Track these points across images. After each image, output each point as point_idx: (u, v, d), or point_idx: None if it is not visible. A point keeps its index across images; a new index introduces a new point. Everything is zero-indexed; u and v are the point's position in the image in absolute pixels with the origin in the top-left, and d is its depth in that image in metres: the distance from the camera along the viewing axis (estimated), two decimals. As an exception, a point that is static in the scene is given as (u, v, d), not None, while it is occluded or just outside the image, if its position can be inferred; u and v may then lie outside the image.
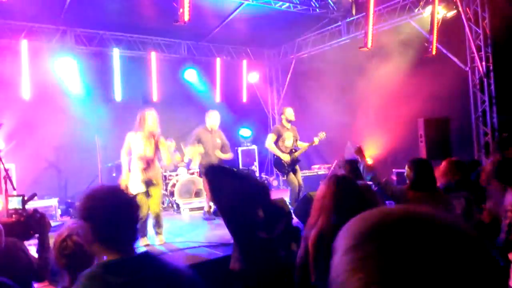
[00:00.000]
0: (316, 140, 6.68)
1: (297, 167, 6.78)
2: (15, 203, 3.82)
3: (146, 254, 1.47)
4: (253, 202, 2.39)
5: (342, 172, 4.28)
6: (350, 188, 2.25)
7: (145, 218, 4.83)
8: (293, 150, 6.68)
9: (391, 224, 0.56)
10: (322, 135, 6.72)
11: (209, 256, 4.39)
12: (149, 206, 4.89)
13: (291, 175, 6.60)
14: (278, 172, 6.84)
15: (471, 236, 0.55)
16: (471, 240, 0.54)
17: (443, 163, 3.95)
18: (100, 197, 1.49)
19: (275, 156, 6.67)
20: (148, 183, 4.88)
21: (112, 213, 1.43)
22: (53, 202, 6.84)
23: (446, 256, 0.51)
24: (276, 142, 6.60)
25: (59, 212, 6.94)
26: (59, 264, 1.90)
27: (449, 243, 0.53)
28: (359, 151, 4.12)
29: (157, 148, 4.94)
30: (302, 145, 6.77)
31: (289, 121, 6.69)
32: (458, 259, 0.51)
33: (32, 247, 2.65)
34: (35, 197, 3.48)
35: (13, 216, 2.57)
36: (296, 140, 6.79)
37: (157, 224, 5.04)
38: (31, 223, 2.41)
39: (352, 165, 4.18)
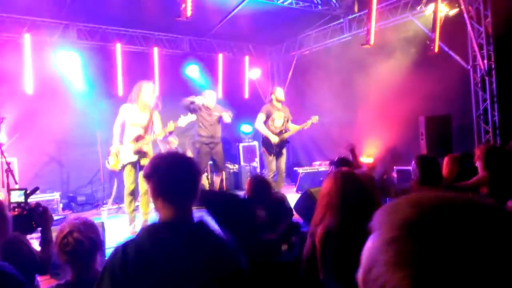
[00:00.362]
0: (308, 123, 6.64)
1: (284, 151, 6.70)
2: (17, 196, 3.83)
3: (200, 221, 1.58)
4: (249, 207, 2.40)
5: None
6: (356, 183, 2.25)
7: (131, 192, 4.94)
8: (283, 131, 6.61)
9: (446, 212, 0.48)
10: (315, 119, 6.68)
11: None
12: (139, 181, 4.93)
13: (273, 157, 6.53)
14: (265, 151, 6.67)
15: None
16: None
17: (445, 159, 4.06)
18: (164, 157, 1.69)
19: (263, 136, 6.59)
20: (140, 154, 4.93)
21: (173, 170, 1.57)
22: (55, 196, 6.88)
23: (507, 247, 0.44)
24: (266, 122, 6.52)
25: (61, 206, 6.99)
26: (61, 260, 1.94)
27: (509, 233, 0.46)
28: (352, 151, 4.24)
29: (150, 120, 5.03)
30: (293, 127, 6.72)
31: (279, 101, 6.59)
32: None
33: (34, 241, 2.69)
34: (37, 191, 3.52)
35: (16, 209, 2.59)
36: (288, 121, 6.69)
37: (146, 203, 4.90)
38: (34, 216, 2.43)
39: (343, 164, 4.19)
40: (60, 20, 7.57)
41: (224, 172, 7.23)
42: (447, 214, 0.48)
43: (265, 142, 6.60)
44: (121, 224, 5.80)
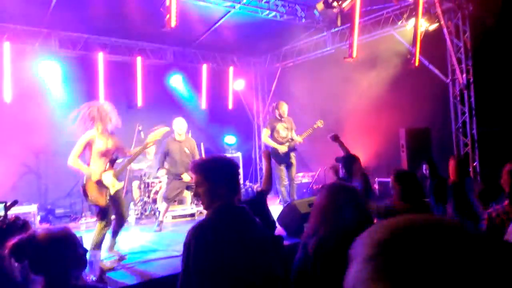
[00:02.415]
0: (315, 127, 6.99)
1: (294, 161, 7.00)
2: None
3: (243, 206, 2.13)
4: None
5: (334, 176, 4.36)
6: (349, 195, 2.26)
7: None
8: (289, 141, 6.95)
9: (417, 232, 0.54)
10: (320, 122, 7.00)
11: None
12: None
13: (283, 167, 6.87)
14: (275, 163, 6.90)
15: (498, 244, 0.54)
16: (497, 247, 0.53)
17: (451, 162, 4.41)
18: (216, 160, 2.18)
19: (272, 149, 6.90)
20: (119, 180, 4.64)
21: (227, 169, 2.11)
22: (32, 208, 6.69)
23: (477, 266, 0.50)
24: (271, 135, 6.90)
25: (38, 218, 6.79)
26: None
27: (478, 253, 0.51)
28: (336, 138, 4.36)
29: (116, 141, 4.61)
30: (296, 138, 6.99)
31: (282, 116, 6.99)
32: (489, 267, 0.50)
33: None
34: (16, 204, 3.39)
35: None
36: (293, 131, 7.06)
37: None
38: (14, 230, 2.32)
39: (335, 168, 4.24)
40: (41, 28, 7.45)
41: None
42: (416, 233, 0.54)
43: (274, 154, 6.83)
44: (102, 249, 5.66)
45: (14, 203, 3.15)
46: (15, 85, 7.10)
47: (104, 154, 4.46)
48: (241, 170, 9.76)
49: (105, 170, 4.47)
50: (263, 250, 2.07)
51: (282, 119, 6.97)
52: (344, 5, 5.59)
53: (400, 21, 7.24)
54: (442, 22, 6.59)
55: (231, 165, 2.15)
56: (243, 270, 1.96)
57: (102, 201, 4.40)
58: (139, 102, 8.58)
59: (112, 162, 4.56)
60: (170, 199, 6.37)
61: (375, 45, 7.55)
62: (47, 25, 7.35)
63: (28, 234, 1.82)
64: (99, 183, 4.40)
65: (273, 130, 6.92)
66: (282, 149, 6.80)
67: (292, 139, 6.96)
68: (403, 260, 0.51)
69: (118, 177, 4.62)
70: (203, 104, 9.58)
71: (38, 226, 6.59)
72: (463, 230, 0.55)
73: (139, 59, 8.57)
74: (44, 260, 1.78)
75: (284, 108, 7.00)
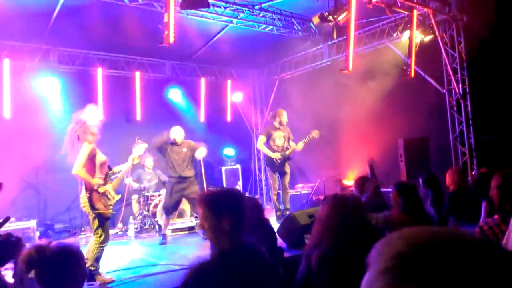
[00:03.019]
0: (309, 137, 6.95)
1: (288, 170, 6.99)
2: None
3: (252, 247, 1.95)
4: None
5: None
6: (354, 208, 2.27)
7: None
8: (285, 149, 6.95)
9: (433, 247, 0.53)
10: (315, 133, 6.98)
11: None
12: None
13: (277, 176, 6.90)
14: (269, 170, 7.10)
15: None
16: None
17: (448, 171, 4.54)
18: (224, 192, 2.07)
19: (266, 156, 6.97)
20: (117, 192, 4.66)
21: (231, 205, 1.94)
22: (32, 223, 6.67)
23: (495, 282, 0.49)
24: (267, 143, 6.91)
25: (37, 234, 6.77)
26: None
27: (498, 269, 0.50)
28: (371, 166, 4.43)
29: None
30: (293, 145, 7.00)
31: (282, 124, 7.02)
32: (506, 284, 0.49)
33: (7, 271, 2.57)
34: (10, 220, 3.35)
35: None
36: (289, 140, 7.06)
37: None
38: (6, 247, 2.30)
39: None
40: (40, 44, 7.53)
41: None
42: (434, 248, 0.53)
43: (268, 161, 6.95)
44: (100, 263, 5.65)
45: (6, 220, 3.12)
46: (15, 101, 7.15)
47: (103, 165, 4.50)
48: (240, 182, 9.86)
49: (105, 184, 4.49)
50: None
51: (280, 127, 6.99)
52: (339, 18, 5.67)
53: (395, 33, 7.33)
54: (437, 33, 6.68)
55: (239, 199, 2.01)
56: None
57: (108, 212, 4.41)
58: (138, 116, 8.63)
59: (108, 175, 4.59)
60: (170, 209, 6.33)
61: (371, 57, 7.64)
62: (46, 41, 7.43)
63: (41, 244, 1.82)
64: (103, 194, 4.39)
65: (269, 137, 6.95)
66: (276, 156, 6.81)
67: (287, 148, 6.96)
68: (420, 275, 0.51)
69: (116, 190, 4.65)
70: (202, 117, 9.63)
71: (38, 242, 6.57)
72: (485, 245, 0.54)
73: (138, 74, 8.64)
74: (53, 272, 1.80)
75: (284, 115, 7.05)
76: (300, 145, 7.01)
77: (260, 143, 7.03)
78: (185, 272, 1.80)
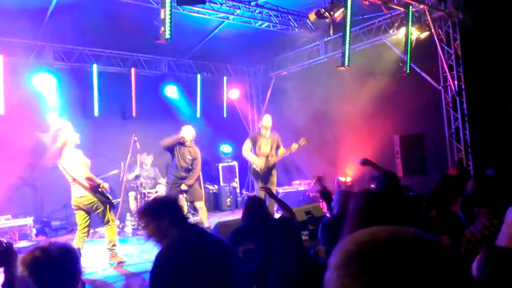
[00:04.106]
0: (294, 146, 6.54)
1: (273, 180, 6.69)
2: None
3: (201, 229, 2.40)
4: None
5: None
6: (386, 201, 2.29)
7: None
8: (270, 156, 6.64)
9: (374, 244, 0.60)
10: (303, 141, 6.62)
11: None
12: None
13: (262, 184, 6.54)
14: (253, 178, 6.84)
15: (453, 256, 0.59)
16: (453, 259, 0.59)
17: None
18: (157, 200, 2.54)
19: (250, 164, 6.72)
20: None
21: (166, 210, 2.33)
22: (28, 221, 6.67)
23: (426, 278, 0.55)
24: (253, 149, 6.65)
25: (34, 231, 6.76)
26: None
27: (431, 267, 0.56)
28: (366, 162, 4.35)
29: None
30: (280, 152, 6.71)
31: (266, 128, 6.69)
32: (439, 281, 0.55)
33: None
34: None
35: None
36: (278, 148, 6.73)
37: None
38: None
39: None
40: (36, 41, 7.49)
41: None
42: (375, 245, 0.60)
43: (252, 169, 6.70)
44: (97, 249, 5.66)
45: None
46: (10, 98, 7.11)
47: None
48: (237, 179, 9.87)
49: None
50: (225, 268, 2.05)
51: (266, 135, 6.67)
52: (336, 15, 5.67)
53: (392, 30, 7.34)
54: (433, 30, 6.70)
55: (172, 202, 2.42)
56: None
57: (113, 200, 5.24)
58: (134, 112, 8.61)
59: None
60: None
61: (367, 54, 7.65)
62: (41, 38, 7.39)
63: (41, 248, 1.84)
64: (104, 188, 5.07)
65: (254, 143, 6.65)
66: (259, 163, 6.50)
67: (272, 156, 6.63)
68: (367, 268, 0.57)
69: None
70: (198, 114, 9.62)
71: (35, 239, 6.56)
72: (421, 240, 0.60)
73: (133, 70, 8.61)
74: (57, 274, 1.82)
75: (265, 119, 6.70)
76: (282, 153, 6.68)
77: (246, 149, 6.68)
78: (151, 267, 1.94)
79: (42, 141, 5.06)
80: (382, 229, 0.64)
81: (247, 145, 6.68)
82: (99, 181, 4.98)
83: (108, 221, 4.99)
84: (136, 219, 7.37)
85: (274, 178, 6.73)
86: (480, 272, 1.40)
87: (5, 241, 2.31)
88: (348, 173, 8.40)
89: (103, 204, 4.91)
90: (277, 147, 6.73)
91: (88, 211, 4.89)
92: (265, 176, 6.62)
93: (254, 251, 3.03)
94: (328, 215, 4.49)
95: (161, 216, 2.28)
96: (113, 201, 5.17)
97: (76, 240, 4.82)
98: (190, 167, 6.44)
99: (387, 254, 0.58)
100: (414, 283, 0.55)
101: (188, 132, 6.44)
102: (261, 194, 6.47)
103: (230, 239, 3.13)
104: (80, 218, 4.88)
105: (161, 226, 2.24)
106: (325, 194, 4.01)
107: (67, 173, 4.83)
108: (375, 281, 0.55)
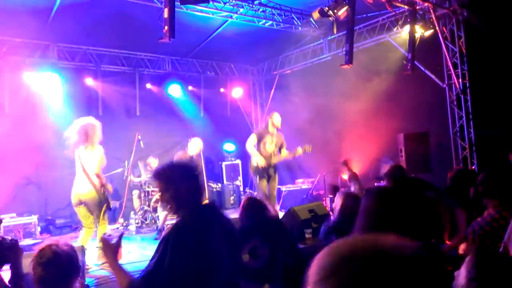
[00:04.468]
0: (299, 151, 6.50)
1: (275, 176, 6.64)
2: None
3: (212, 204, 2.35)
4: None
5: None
6: (397, 199, 2.28)
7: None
8: (273, 155, 6.58)
9: (354, 259, 0.58)
10: (308, 148, 6.54)
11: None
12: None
13: (263, 181, 6.50)
14: (252, 174, 6.71)
15: (433, 268, 0.58)
16: (432, 272, 0.58)
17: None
18: (175, 164, 2.29)
19: (251, 160, 6.61)
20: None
21: (185, 175, 2.15)
22: (33, 219, 6.70)
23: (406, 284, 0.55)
24: (257, 145, 6.52)
25: (38, 229, 6.80)
26: (35, 276, 1.86)
27: (411, 282, 0.56)
28: (345, 163, 4.33)
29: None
30: (283, 153, 6.65)
31: (275, 127, 6.59)
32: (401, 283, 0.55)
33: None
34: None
35: None
36: (282, 148, 6.66)
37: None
38: (1, 250, 2.26)
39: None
40: (40, 40, 7.52)
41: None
42: (351, 260, 0.59)
43: (253, 165, 6.60)
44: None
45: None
46: (14, 97, 7.15)
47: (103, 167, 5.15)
48: (240, 178, 9.87)
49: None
50: (235, 246, 2.19)
51: (273, 132, 6.60)
52: (339, 13, 5.65)
53: (396, 28, 7.31)
54: (437, 28, 6.66)
55: (190, 167, 2.21)
56: (222, 271, 2.01)
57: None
58: (138, 111, 8.63)
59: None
60: None
61: (371, 52, 7.62)
62: (46, 37, 7.42)
63: (50, 248, 1.89)
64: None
65: (260, 140, 6.53)
66: (261, 162, 6.42)
67: (275, 155, 6.58)
68: (344, 284, 0.56)
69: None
70: (202, 113, 9.63)
71: (39, 237, 6.60)
72: (400, 252, 0.59)
73: (137, 70, 8.63)
74: (65, 272, 1.87)
75: (275, 118, 6.59)
76: (285, 155, 6.64)
77: (250, 144, 6.55)
78: (168, 229, 2.03)
79: (66, 135, 5.13)
80: (360, 241, 0.63)
81: (252, 140, 6.56)
82: (105, 180, 5.08)
83: (103, 220, 5.06)
84: (151, 213, 7.40)
85: (276, 175, 6.67)
86: (470, 275, 1.38)
87: (11, 238, 2.34)
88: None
89: (102, 204, 4.96)
90: (280, 147, 6.69)
91: (89, 208, 4.93)
92: (266, 172, 6.55)
93: (260, 248, 3.09)
94: (331, 213, 4.49)
95: (177, 183, 2.10)
96: (110, 203, 5.21)
97: (83, 238, 4.86)
98: None
99: (366, 268, 0.56)
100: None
101: (194, 147, 6.53)
102: (263, 188, 6.54)
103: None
104: (82, 214, 4.95)
105: (178, 195, 2.08)
106: (354, 177, 4.24)
107: (80, 163, 4.94)
108: None
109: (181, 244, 1.91)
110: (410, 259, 0.58)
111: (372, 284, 0.55)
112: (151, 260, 1.96)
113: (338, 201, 3.26)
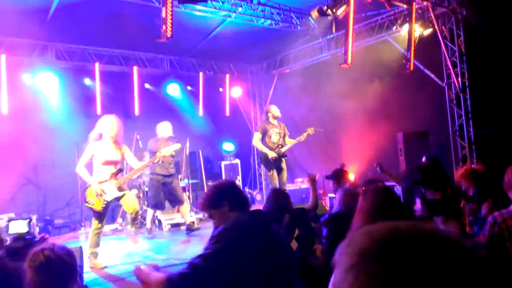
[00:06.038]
0: (304, 135, 6.74)
1: (284, 166, 6.83)
2: (19, 226, 3.73)
3: (257, 212, 2.45)
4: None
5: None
6: (396, 197, 2.31)
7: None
8: (280, 146, 6.76)
9: (396, 242, 0.54)
10: (311, 130, 6.76)
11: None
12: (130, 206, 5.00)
13: (274, 173, 6.70)
14: (265, 168, 6.91)
15: (475, 254, 0.53)
16: (475, 258, 0.53)
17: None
18: (217, 186, 2.45)
19: (261, 153, 6.79)
20: (120, 189, 4.90)
21: (228, 195, 2.36)
22: (32, 219, 6.66)
23: (451, 276, 0.50)
24: (263, 140, 6.73)
25: (37, 229, 6.76)
26: (28, 278, 1.84)
27: (453, 262, 0.51)
28: (313, 180, 4.50)
29: (123, 155, 4.98)
30: (290, 141, 6.84)
31: (275, 118, 6.81)
32: (463, 278, 0.50)
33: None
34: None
35: (19, 241, 2.46)
36: (285, 136, 6.88)
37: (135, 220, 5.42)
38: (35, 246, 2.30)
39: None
40: (38, 40, 7.49)
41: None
42: (397, 242, 0.53)
43: (263, 159, 6.75)
44: (100, 247, 5.66)
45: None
46: (12, 97, 7.12)
47: (108, 163, 4.81)
48: (239, 177, 9.86)
49: (106, 180, 4.78)
50: (283, 262, 2.20)
51: (275, 124, 6.82)
52: (338, 12, 5.64)
53: (395, 27, 7.30)
54: (436, 26, 6.65)
55: (229, 186, 2.43)
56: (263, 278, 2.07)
57: (98, 205, 4.75)
58: (136, 111, 8.60)
59: (116, 172, 4.87)
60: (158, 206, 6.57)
61: (370, 51, 7.60)
62: (43, 37, 7.39)
63: (43, 252, 1.85)
64: (99, 189, 4.74)
65: (264, 134, 6.75)
66: (272, 154, 6.63)
67: (282, 145, 6.77)
68: (384, 270, 0.51)
69: (121, 186, 4.91)
70: (201, 112, 9.61)
71: (38, 237, 6.57)
72: (449, 240, 0.54)
73: (135, 69, 8.60)
74: (61, 277, 1.85)
75: (273, 109, 6.84)
76: (292, 142, 6.83)
77: (256, 140, 6.80)
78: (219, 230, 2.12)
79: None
80: (400, 224, 0.57)
81: (257, 137, 6.80)
82: (86, 178, 4.78)
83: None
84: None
85: (284, 165, 6.86)
86: None
87: (41, 235, 2.38)
88: (352, 171, 8.36)
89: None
90: (284, 136, 6.89)
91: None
92: (277, 164, 6.73)
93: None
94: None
95: (220, 203, 2.32)
96: (91, 206, 4.81)
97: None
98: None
99: (410, 252, 0.52)
100: (442, 284, 0.49)
101: (164, 130, 6.57)
102: (275, 181, 6.73)
103: None
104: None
105: (222, 212, 2.30)
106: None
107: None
108: (399, 282, 0.50)
109: (228, 247, 2.03)
110: (463, 248, 0.53)
111: (418, 269, 0.50)
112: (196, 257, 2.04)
113: (338, 196, 3.34)
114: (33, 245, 2.29)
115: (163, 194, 6.53)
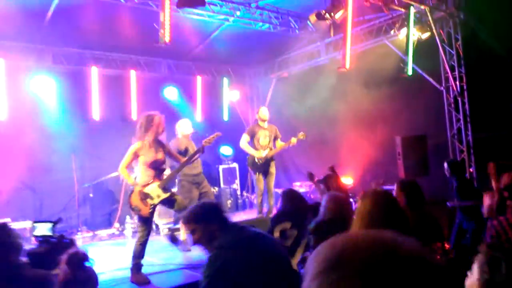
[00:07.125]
0: (293, 140, 6.62)
1: (273, 170, 6.71)
2: (43, 229, 3.73)
3: (243, 227, 2.41)
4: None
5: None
6: (395, 202, 2.31)
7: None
8: (269, 149, 6.66)
9: (355, 252, 0.57)
10: (301, 135, 6.65)
11: (189, 278, 4.31)
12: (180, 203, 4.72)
13: (261, 176, 6.59)
14: (251, 171, 6.85)
15: (435, 266, 0.56)
16: (435, 270, 0.56)
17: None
18: (206, 204, 2.54)
19: (248, 156, 6.71)
20: (165, 189, 4.62)
21: (209, 212, 2.38)
22: (27, 224, 6.61)
23: (403, 283, 0.53)
24: (251, 142, 6.66)
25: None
26: None
27: (412, 274, 0.54)
28: (311, 177, 4.53)
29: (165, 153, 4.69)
30: (279, 144, 6.75)
31: (263, 120, 6.73)
32: (413, 283, 0.53)
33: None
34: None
35: (43, 244, 2.48)
36: (276, 139, 6.79)
37: None
38: (63, 248, 2.32)
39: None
40: (35, 44, 7.46)
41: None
42: (353, 253, 0.57)
43: (250, 161, 6.70)
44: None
45: (59, 220, 3.26)
46: (10, 101, 7.08)
47: (151, 165, 4.50)
48: (238, 181, 9.82)
49: (150, 182, 4.51)
50: (279, 265, 2.25)
51: (264, 126, 6.75)
52: (336, 16, 5.64)
53: (393, 30, 7.30)
54: (434, 30, 6.66)
55: (217, 207, 2.46)
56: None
57: (145, 210, 4.47)
58: (134, 115, 8.57)
59: (160, 173, 4.62)
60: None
61: (368, 55, 7.61)
62: (41, 41, 7.36)
63: (81, 250, 1.97)
64: (142, 193, 4.48)
65: (253, 136, 6.71)
66: (258, 155, 6.53)
67: (271, 148, 6.69)
68: (344, 277, 0.54)
69: (166, 186, 4.64)
70: (198, 116, 9.58)
71: (34, 242, 6.51)
72: (401, 251, 0.57)
73: (133, 73, 8.58)
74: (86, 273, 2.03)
75: (263, 111, 6.77)
76: (281, 146, 6.72)
77: (243, 142, 6.71)
78: (204, 265, 2.14)
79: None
80: (360, 235, 0.62)
81: (244, 138, 6.72)
82: (129, 180, 4.68)
83: None
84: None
85: (273, 169, 6.75)
86: (482, 272, 1.36)
87: (67, 237, 2.44)
88: (350, 175, 8.34)
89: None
90: (275, 139, 6.80)
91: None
92: (264, 167, 6.62)
93: (289, 231, 3.59)
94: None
95: (209, 221, 2.31)
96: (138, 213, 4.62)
97: None
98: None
99: (368, 261, 0.55)
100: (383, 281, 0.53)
101: (185, 128, 6.29)
102: (260, 185, 6.61)
103: (272, 219, 3.89)
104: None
105: (209, 230, 2.28)
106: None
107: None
108: (354, 282, 0.53)
109: (215, 273, 2.08)
110: (418, 257, 0.57)
111: (374, 279, 0.53)
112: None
113: (323, 202, 3.33)
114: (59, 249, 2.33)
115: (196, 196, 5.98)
